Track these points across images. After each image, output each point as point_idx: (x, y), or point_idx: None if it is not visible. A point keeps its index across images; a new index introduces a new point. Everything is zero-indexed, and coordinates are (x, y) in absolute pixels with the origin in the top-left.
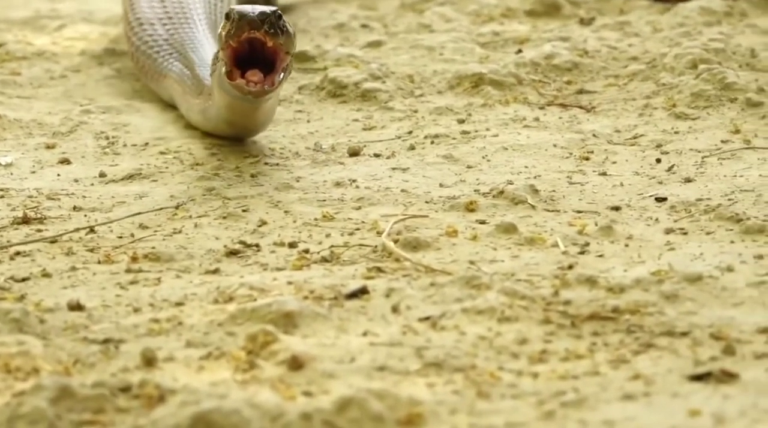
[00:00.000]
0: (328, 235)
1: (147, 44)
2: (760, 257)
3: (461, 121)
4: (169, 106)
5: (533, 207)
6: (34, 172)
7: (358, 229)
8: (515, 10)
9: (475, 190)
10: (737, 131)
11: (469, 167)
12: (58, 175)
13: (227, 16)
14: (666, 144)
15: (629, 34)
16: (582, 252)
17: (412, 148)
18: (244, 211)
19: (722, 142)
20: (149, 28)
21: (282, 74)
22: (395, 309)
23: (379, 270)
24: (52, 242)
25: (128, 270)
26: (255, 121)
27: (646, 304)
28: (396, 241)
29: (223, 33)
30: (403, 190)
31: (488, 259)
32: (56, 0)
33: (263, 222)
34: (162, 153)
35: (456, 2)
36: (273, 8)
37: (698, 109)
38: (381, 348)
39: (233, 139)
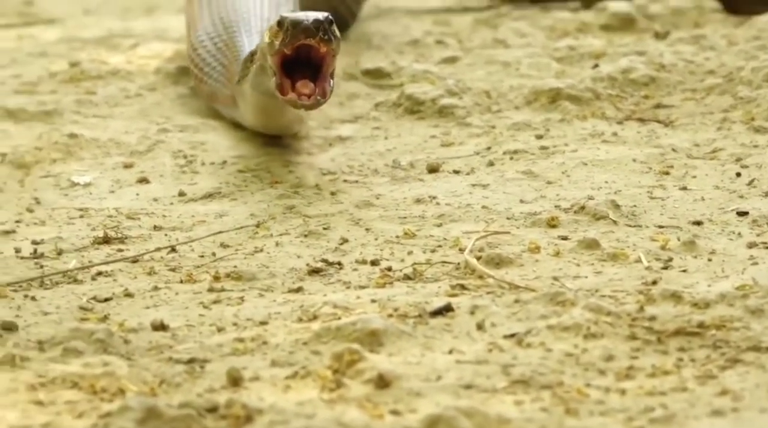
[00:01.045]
0: (410, 253)
1: (199, 68)
2: None
3: (539, 137)
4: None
5: (615, 222)
6: (112, 192)
7: (440, 246)
8: (590, 24)
9: (556, 206)
10: None
11: (549, 183)
12: (137, 194)
13: (279, 24)
14: (745, 158)
15: (705, 47)
16: (665, 268)
17: (491, 163)
18: (325, 228)
19: None
20: (203, 52)
21: (332, 81)
22: (480, 327)
23: (463, 287)
24: (134, 262)
25: (211, 290)
26: (289, 122)
27: (731, 319)
28: (479, 258)
29: (275, 41)
30: (483, 207)
31: (572, 275)
32: (129, 18)
33: (345, 240)
34: (240, 171)
35: (530, 17)
36: (324, 14)
37: None
38: (467, 365)
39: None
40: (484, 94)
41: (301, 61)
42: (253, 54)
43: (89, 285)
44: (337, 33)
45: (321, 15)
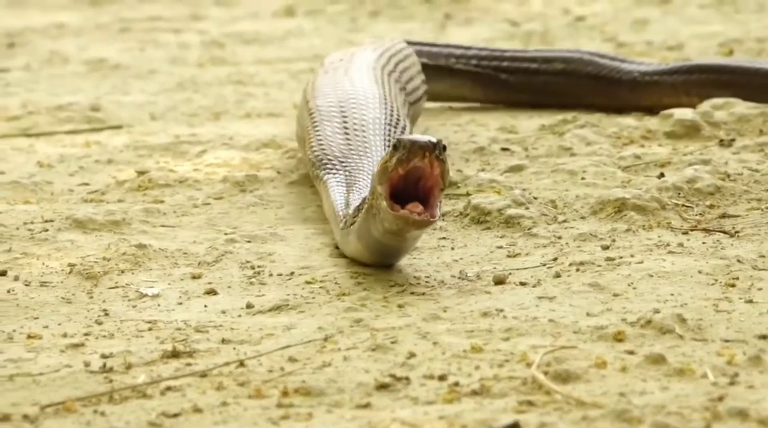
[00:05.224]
0: (477, 367)
1: (320, 161)
2: None
3: (605, 248)
4: (314, 233)
5: (681, 336)
6: (180, 303)
7: (507, 361)
8: (655, 131)
9: (622, 319)
10: None
11: (615, 295)
12: (205, 306)
13: (395, 146)
14: None
15: None
16: (731, 383)
17: (557, 275)
18: (392, 342)
19: None
20: (326, 145)
21: (438, 209)
22: None
23: (530, 403)
24: (202, 376)
25: (279, 405)
26: (401, 255)
27: None
28: (546, 373)
29: (390, 162)
30: (550, 320)
31: (638, 391)
32: (195, 124)
33: (412, 354)
34: (308, 282)
35: (596, 124)
36: (439, 137)
37: None
38: None
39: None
40: (550, 203)
41: (410, 194)
42: (362, 203)
43: (158, 400)
44: (447, 160)
45: (435, 138)
